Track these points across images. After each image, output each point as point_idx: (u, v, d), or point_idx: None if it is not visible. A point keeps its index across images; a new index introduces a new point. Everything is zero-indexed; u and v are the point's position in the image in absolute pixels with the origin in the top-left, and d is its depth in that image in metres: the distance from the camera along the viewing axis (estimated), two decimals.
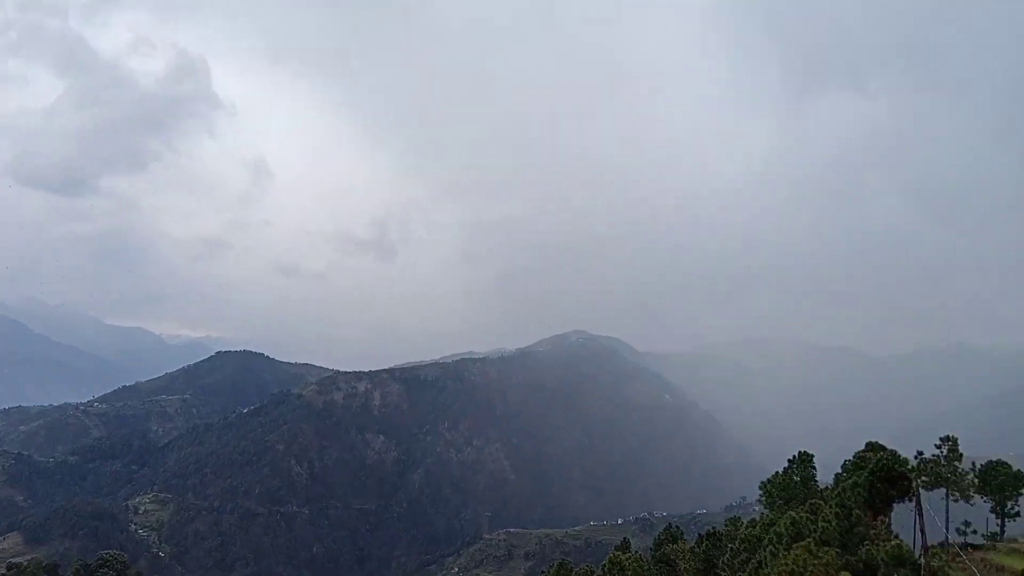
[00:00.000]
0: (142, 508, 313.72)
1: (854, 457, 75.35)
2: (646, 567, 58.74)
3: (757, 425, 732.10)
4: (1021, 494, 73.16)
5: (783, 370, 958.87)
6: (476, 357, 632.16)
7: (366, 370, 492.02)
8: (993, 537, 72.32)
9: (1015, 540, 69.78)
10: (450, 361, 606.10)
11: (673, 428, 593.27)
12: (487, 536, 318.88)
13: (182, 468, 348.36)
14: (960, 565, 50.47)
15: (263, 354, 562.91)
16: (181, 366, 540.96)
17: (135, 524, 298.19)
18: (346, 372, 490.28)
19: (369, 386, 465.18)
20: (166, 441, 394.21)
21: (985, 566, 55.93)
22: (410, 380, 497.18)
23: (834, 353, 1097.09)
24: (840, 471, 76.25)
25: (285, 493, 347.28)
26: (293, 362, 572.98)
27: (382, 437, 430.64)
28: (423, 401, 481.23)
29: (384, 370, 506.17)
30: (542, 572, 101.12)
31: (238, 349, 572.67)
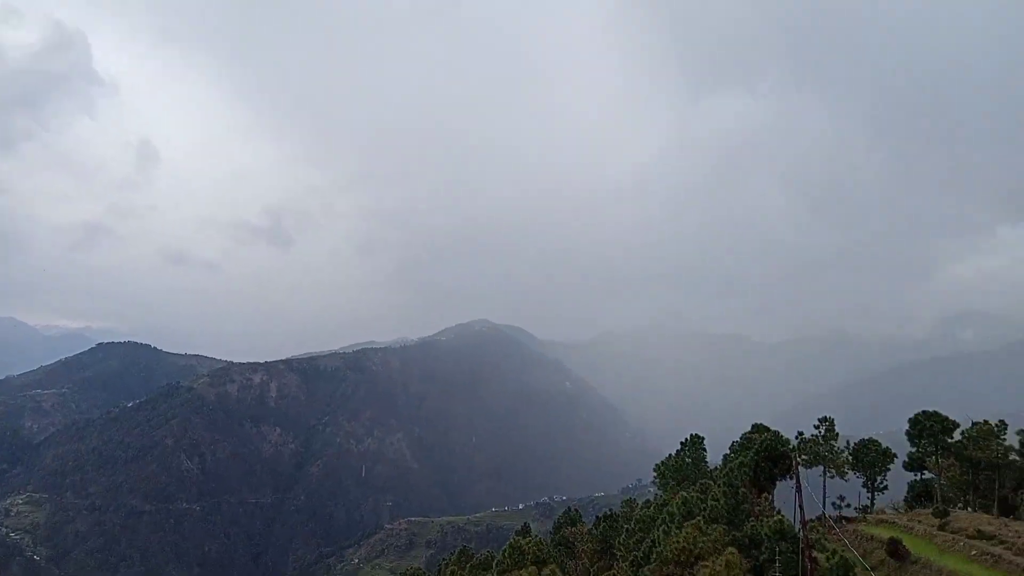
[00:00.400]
0: (14, 510, 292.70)
1: (741, 438, 78.96)
2: (546, 550, 59.49)
3: (653, 410, 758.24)
4: (889, 469, 78.66)
5: (676, 357, 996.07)
6: (378, 347, 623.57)
7: (262, 361, 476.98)
8: (864, 510, 77.53)
9: (883, 511, 75.05)
10: (350, 351, 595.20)
11: (573, 415, 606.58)
12: (388, 526, 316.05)
13: (60, 466, 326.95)
14: (835, 536, 53.67)
15: (149, 345, 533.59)
16: (58, 359, 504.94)
17: (6, 527, 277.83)
18: (240, 363, 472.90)
19: (265, 377, 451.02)
20: (42, 438, 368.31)
21: (856, 536, 59.84)
22: (308, 371, 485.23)
23: (723, 340, 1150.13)
24: (728, 452, 79.64)
25: (175, 489, 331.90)
26: (183, 353, 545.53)
27: (279, 429, 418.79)
28: (322, 392, 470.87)
29: (281, 361, 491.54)
30: (443, 560, 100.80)
31: (122, 340, 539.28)
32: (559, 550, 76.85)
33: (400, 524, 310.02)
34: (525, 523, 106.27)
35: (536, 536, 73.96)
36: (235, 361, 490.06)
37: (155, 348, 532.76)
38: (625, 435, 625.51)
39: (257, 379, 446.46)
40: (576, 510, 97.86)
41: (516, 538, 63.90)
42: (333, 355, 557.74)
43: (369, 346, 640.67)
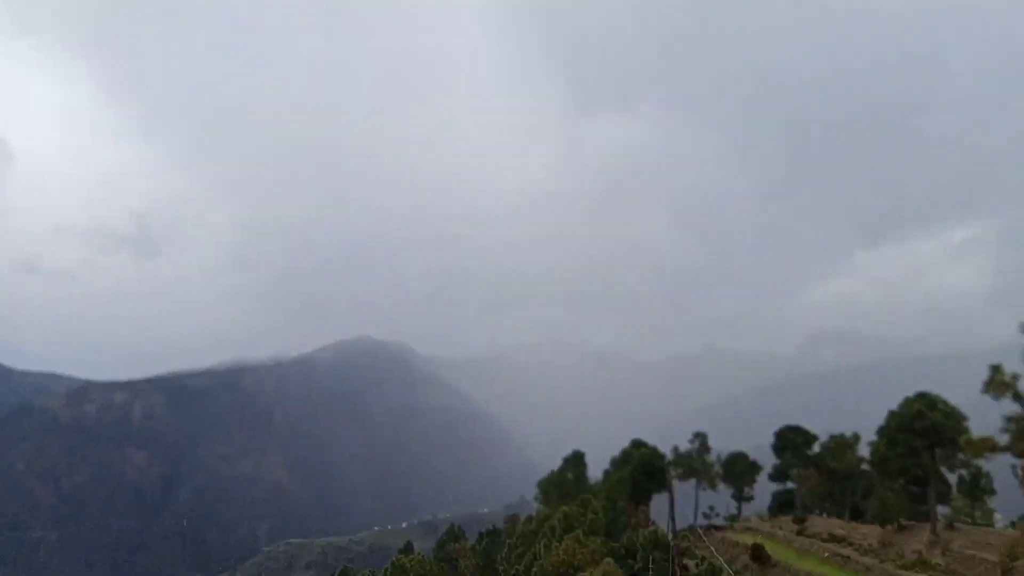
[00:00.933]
0: None
1: (620, 454, 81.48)
2: (429, 567, 58.89)
3: (537, 426, 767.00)
4: (756, 480, 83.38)
5: (561, 373, 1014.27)
6: (252, 365, 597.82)
7: (124, 379, 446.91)
8: (732, 519, 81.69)
9: (749, 520, 79.30)
10: (222, 369, 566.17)
11: (458, 432, 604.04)
12: (266, 549, 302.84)
13: None
14: (704, 544, 56.18)
15: None
16: None
17: None
18: (101, 382, 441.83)
19: (128, 397, 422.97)
20: None
21: (724, 543, 62.95)
22: (176, 390, 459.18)
23: (606, 357, 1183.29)
24: (609, 467, 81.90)
25: (26, 517, 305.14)
26: (35, 371, 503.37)
27: (144, 452, 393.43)
28: (192, 412, 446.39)
29: (146, 379, 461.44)
30: None
31: None
32: (442, 567, 76.22)
33: (278, 547, 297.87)
34: (408, 541, 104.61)
35: (419, 554, 73.15)
36: (94, 380, 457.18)
37: (3, 365, 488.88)
38: (510, 451, 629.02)
39: (119, 399, 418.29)
40: (459, 527, 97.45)
41: (399, 556, 62.97)
42: (204, 373, 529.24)
43: (243, 364, 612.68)
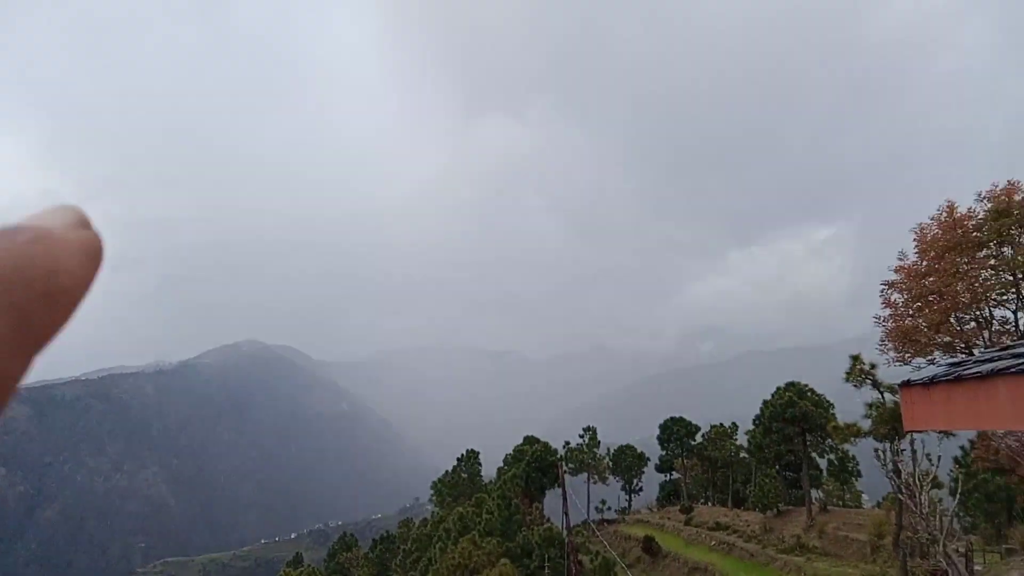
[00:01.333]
0: None
1: (514, 451, 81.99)
2: None
3: (431, 427, 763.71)
4: (644, 472, 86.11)
5: (454, 373, 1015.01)
6: (128, 372, 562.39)
7: None
8: (623, 512, 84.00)
9: (639, 512, 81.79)
10: (95, 378, 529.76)
11: (349, 437, 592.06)
12: (140, 570, 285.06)
13: None
14: (597, 539, 57.38)
15: None
16: None
17: None
18: None
19: None
20: None
21: (617, 537, 64.57)
22: (41, 401, 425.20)
23: (499, 356, 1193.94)
24: (502, 465, 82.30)
25: None
26: None
27: (3, 470, 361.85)
28: (59, 425, 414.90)
29: None
30: None
31: None
32: None
33: (154, 567, 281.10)
34: (297, 553, 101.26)
35: (309, 565, 70.95)
36: None
37: None
38: (403, 454, 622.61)
39: None
40: (352, 535, 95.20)
41: (287, 570, 60.81)
42: (73, 382, 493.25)
43: (118, 371, 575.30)
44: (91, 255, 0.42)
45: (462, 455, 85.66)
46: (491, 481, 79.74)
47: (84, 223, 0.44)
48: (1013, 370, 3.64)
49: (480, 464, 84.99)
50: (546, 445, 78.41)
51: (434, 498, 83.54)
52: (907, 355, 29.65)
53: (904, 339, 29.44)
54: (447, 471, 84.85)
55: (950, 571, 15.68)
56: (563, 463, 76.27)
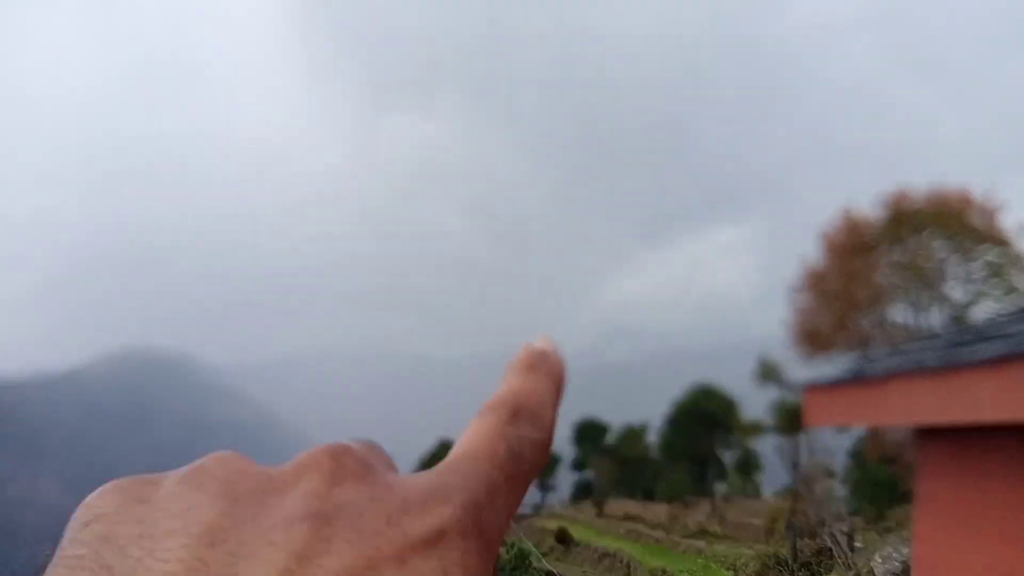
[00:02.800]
0: None
1: (427, 454, 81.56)
2: None
3: (339, 431, 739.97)
4: (556, 471, 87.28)
5: (361, 376, 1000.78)
6: (12, 382, 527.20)
7: None
8: (538, 508, 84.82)
9: (552, 507, 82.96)
10: None
11: (254, 444, 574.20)
12: None
13: None
14: (513, 532, 57.90)
15: None
16: None
17: None
18: None
19: None
20: None
21: (531, 529, 65.08)
22: None
23: (407, 357, 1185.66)
24: (415, 469, 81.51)
25: None
26: None
27: None
28: None
29: None
30: None
31: None
32: None
33: None
34: None
35: None
36: None
37: None
38: None
39: None
40: None
41: None
42: None
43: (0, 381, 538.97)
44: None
45: None
46: None
47: (557, 348, 0.57)
48: (905, 369, 4.01)
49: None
50: None
51: None
52: (810, 354, 31.26)
53: (807, 339, 31.01)
54: None
55: (834, 548, 16.85)
56: None
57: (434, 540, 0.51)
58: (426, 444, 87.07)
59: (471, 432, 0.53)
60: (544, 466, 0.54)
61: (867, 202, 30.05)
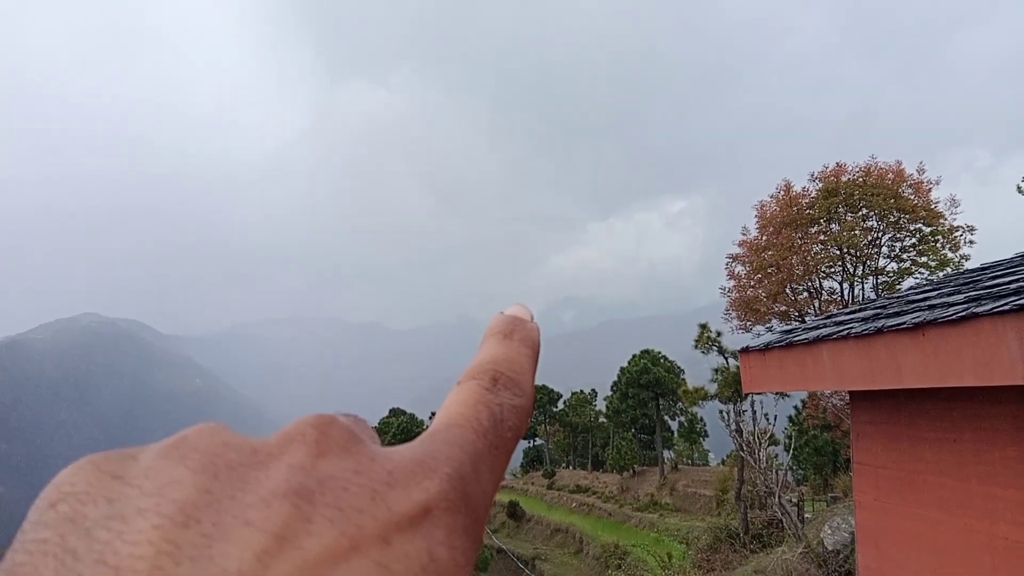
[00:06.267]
0: None
1: (380, 423, 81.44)
2: None
3: (293, 402, 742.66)
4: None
5: (317, 347, 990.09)
6: None
7: None
8: None
9: (505, 477, 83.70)
10: None
11: (206, 415, 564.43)
12: None
13: None
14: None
15: None
16: None
17: None
18: None
19: None
20: None
21: None
22: None
23: (363, 328, 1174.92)
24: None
25: None
26: None
27: None
28: None
29: None
30: None
31: None
32: None
33: None
34: None
35: None
36: None
37: None
38: (262, 429, 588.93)
39: None
40: None
41: None
42: None
43: None
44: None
45: None
46: None
47: (532, 315, 0.53)
48: (835, 336, 4.10)
49: None
50: (412, 417, 78.49)
51: None
52: (748, 323, 32.05)
53: (746, 308, 31.78)
54: None
55: (784, 519, 17.27)
56: None
57: (419, 517, 0.49)
58: (380, 412, 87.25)
59: (452, 400, 0.51)
60: (525, 431, 0.51)
61: (805, 177, 30.81)
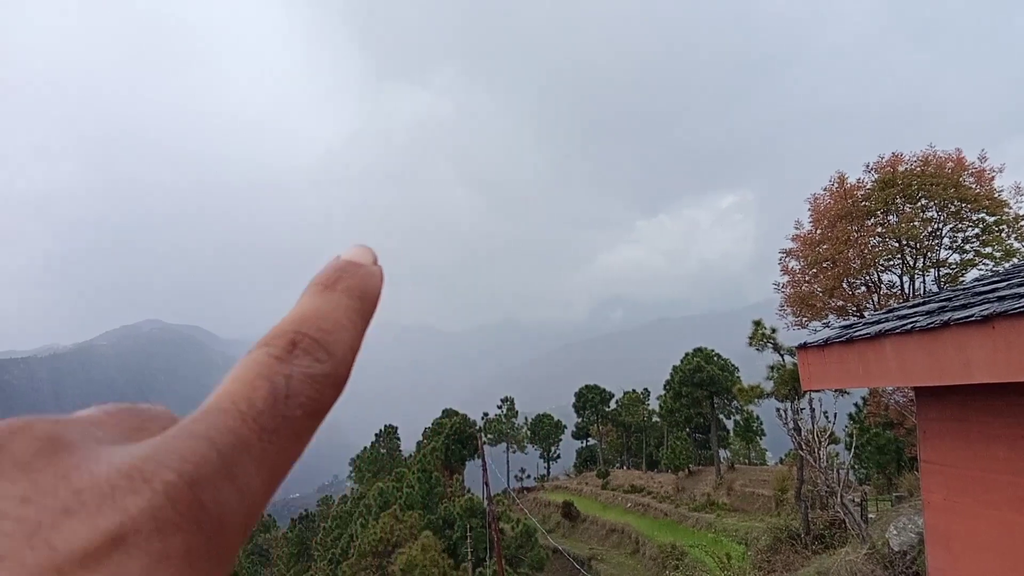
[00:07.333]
0: None
1: (433, 424, 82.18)
2: (238, 562, 55.98)
3: (347, 403, 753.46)
4: (561, 440, 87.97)
5: (367, 349, 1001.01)
6: (18, 357, 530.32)
7: None
8: (542, 479, 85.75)
9: (557, 478, 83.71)
10: None
11: None
12: None
13: None
14: (518, 507, 58.47)
15: None
16: None
17: None
18: None
19: None
20: None
21: (537, 503, 66.02)
22: None
23: (413, 330, 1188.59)
24: (422, 438, 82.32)
25: None
26: None
27: None
28: None
29: None
30: None
31: None
32: (252, 560, 72.96)
33: None
34: None
35: None
36: None
37: None
38: (320, 431, 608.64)
39: None
40: (270, 515, 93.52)
41: None
42: None
43: (7, 356, 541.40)
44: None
45: (380, 430, 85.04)
46: (410, 455, 79.71)
47: (376, 259, 0.46)
48: (898, 331, 3.98)
49: (399, 439, 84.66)
50: (464, 417, 78.87)
51: (353, 475, 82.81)
52: (804, 319, 31.33)
53: (801, 304, 31.07)
54: (365, 447, 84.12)
55: (847, 520, 16.85)
56: (482, 434, 77.05)
57: (101, 552, 0.38)
58: (432, 413, 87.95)
59: (230, 374, 0.43)
60: (330, 404, 0.43)
61: (859, 168, 29.94)
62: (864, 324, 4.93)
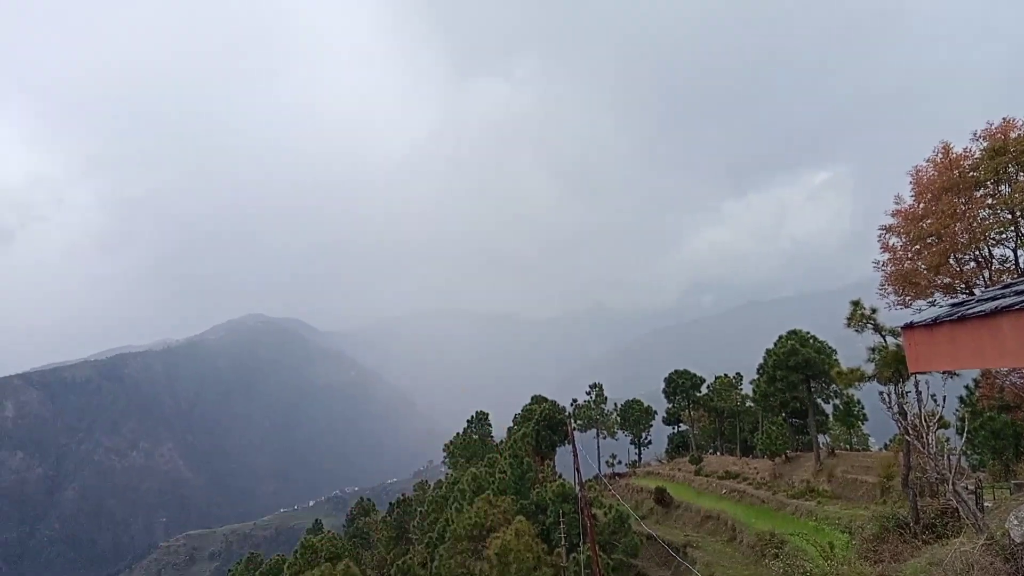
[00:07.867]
0: None
1: (522, 410, 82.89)
2: (340, 544, 58.20)
3: (438, 391, 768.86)
4: (651, 425, 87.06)
5: (457, 338, 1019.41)
6: (136, 351, 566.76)
7: None
8: (633, 465, 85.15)
9: (649, 464, 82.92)
10: (104, 358, 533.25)
11: (360, 404, 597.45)
12: (163, 544, 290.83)
13: None
14: (610, 493, 58.28)
15: None
16: None
17: None
18: None
19: None
20: None
21: (629, 490, 65.59)
22: (53, 384, 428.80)
23: (498, 319, 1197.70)
24: (512, 424, 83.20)
25: None
26: None
27: (20, 454, 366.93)
28: (72, 406, 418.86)
29: (17, 375, 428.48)
30: (229, 571, 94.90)
31: None
32: (354, 543, 75.75)
33: (178, 540, 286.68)
34: (316, 520, 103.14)
35: (329, 532, 72.12)
36: None
37: None
38: (414, 419, 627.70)
39: None
40: (369, 500, 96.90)
41: (308, 536, 61.87)
42: (83, 364, 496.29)
43: (126, 351, 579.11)
44: None
45: (472, 417, 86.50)
46: (501, 441, 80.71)
47: None
48: (1017, 307, 3.73)
49: (490, 425, 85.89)
50: (554, 403, 79.18)
51: (447, 460, 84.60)
52: (907, 298, 29.77)
53: (904, 282, 29.52)
54: (458, 433, 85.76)
55: (960, 508, 15.93)
56: (572, 420, 77.17)
57: None
58: (522, 400, 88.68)
59: None
60: None
61: (965, 137, 27.97)
62: (977, 301, 4.64)
